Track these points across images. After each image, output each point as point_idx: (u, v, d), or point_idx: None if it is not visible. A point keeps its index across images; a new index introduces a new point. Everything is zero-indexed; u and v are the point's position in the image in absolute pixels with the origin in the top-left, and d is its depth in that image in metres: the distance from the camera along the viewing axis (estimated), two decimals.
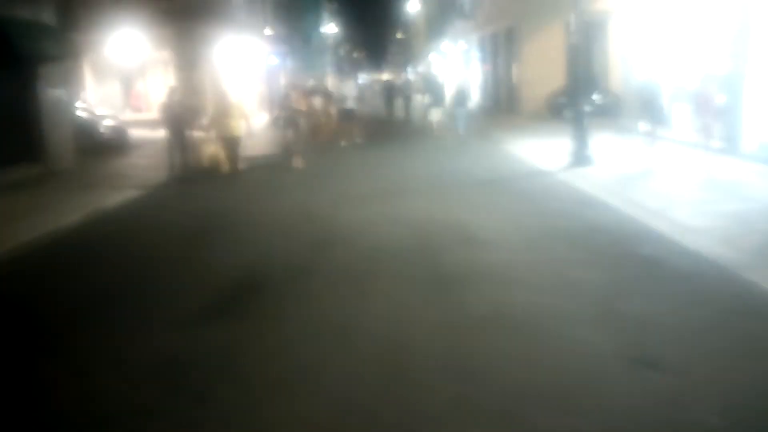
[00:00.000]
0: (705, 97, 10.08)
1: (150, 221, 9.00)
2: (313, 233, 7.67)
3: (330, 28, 64.91)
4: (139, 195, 10.76)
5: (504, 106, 28.27)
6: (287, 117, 13.76)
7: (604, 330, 4.41)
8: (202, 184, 11.63)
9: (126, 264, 6.81)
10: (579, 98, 11.42)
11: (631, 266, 5.87)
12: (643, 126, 10.84)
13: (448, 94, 22.16)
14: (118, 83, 26.53)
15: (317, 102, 18.76)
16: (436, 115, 19.62)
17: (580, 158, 11.31)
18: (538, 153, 13.44)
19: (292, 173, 12.57)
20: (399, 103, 27.82)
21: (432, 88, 20.78)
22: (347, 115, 17.97)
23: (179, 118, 12.21)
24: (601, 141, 12.80)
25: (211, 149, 12.49)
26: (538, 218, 7.84)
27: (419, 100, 26.89)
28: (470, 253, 6.49)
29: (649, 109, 10.71)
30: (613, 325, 4.52)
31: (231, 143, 12.23)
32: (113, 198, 10.35)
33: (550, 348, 4.18)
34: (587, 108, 11.61)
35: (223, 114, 12.24)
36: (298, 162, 13.08)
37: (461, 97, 19.20)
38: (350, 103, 18.11)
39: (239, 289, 5.78)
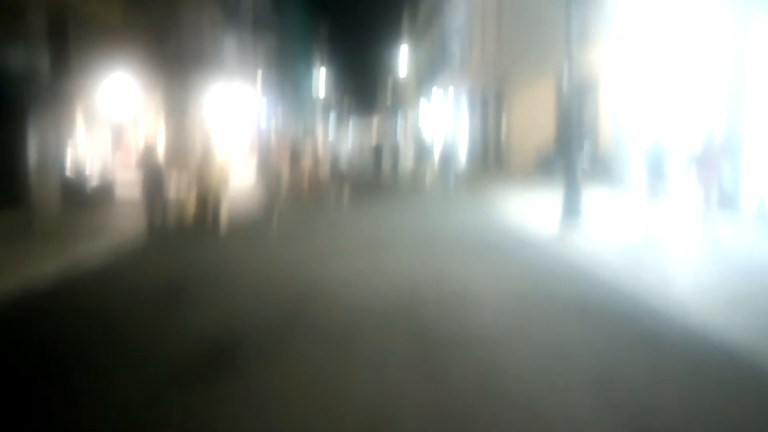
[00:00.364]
0: (708, 157, 9.80)
1: (125, 276, 8.75)
2: (295, 288, 7.52)
3: (321, 75, 65.76)
4: (118, 246, 10.51)
5: (492, 161, 28.46)
6: (269, 174, 13.48)
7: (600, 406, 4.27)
8: (182, 239, 11.42)
9: (94, 323, 6.55)
10: (572, 157, 11.44)
11: (628, 344, 5.72)
12: (644, 188, 10.72)
13: (436, 152, 22.42)
14: (108, 131, 26.42)
15: (305, 157, 18.49)
16: (424, 172, 20.09)
17: (571, 217, 11.26)
18: (528, 211, 13.43)
19: (274, 229, 12.37)
20: (387, 160, 28.13)
21: (419, 146, 21.27)
22: (339, 175, 17.94)
23: (156, 173, 11.71)
24: (592, 198, 12.74)
25: (193, 204, 12.22)
26: (527, 278, 7.81)
27: (408, 156, 26.95)
28: (457, 312, 6.42)
29: (656, 171, 10.48)
30: (605, 400, 4.37)
31: (210, 196, 11.86)
32: (91, 250, 10.13)
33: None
34: (579, 164, 11.62)
35: (205, 169, 11.86)
36: (277, 218, 12.81)
37: (448, 156, 19.59)
38: (342, 163, 18.12)
39: (212, 351, 5.56)
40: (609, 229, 10.63)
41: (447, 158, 19.48)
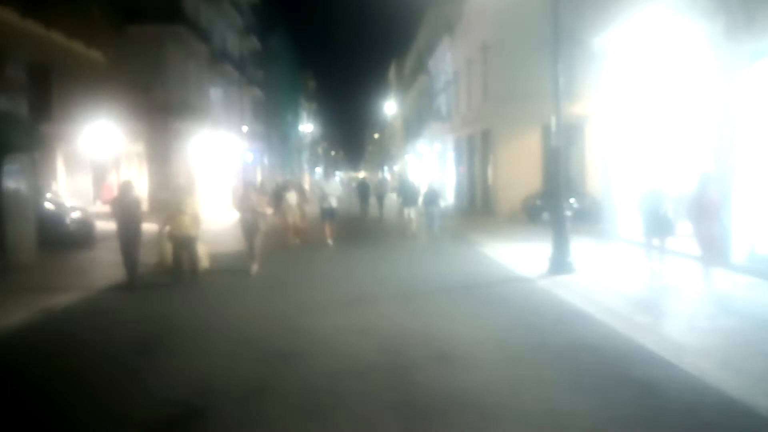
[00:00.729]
0: (705, 203, 9.29)
1: (94, 326, 8.14)
2: (271, 346, 6.91)
3: (308, 127, 66.22)
4: (91, 296, 9.97)
5: (479, 207, 28.31)
6: (246, 219, 12.21)
7: None
8: (157, 286, 10.89)
9: (54, 379, 5.96)
10: (559, 202, 11.13)
11: (624, 392, 5.27)
12: (643, 236, 10.37)
13: (422, 193, 22.16)
14: (90, 175, 26.08)
15: (291, 198, 16.55)
16: (409, 215, 19.36)
17: (560, 265, 10.88)
18: (516, 258, 13.02)
19: (252, 277, 11.62)
20: (373, 201, 27.74)
21: (405, 188, 20.61)
22: (328, 214, 16.70)
23: (132, 218, 10.83)
24: (580, 247, 12.41)
25: (168, 251, 11.73)
26: (518, 332, 7.22)
27: (393, 199, 26.56)
28: (446, 374, 5.80)
29: (653, 219, 10.01)
30: None
31: (184, 243, 11.13)
32: (63, 299, 9.58)
33: None
34: (567, 212, 11.28)
35: (176, 211, 11.01)
36: (255, 267, 11.94)
37: (433, 197, 19.13)
38: (332, 202, 16.78)
39: (176, 416, 5.00)
40: (600, 282, 10.15)
41: (432, 198, 19.07)
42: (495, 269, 11.92)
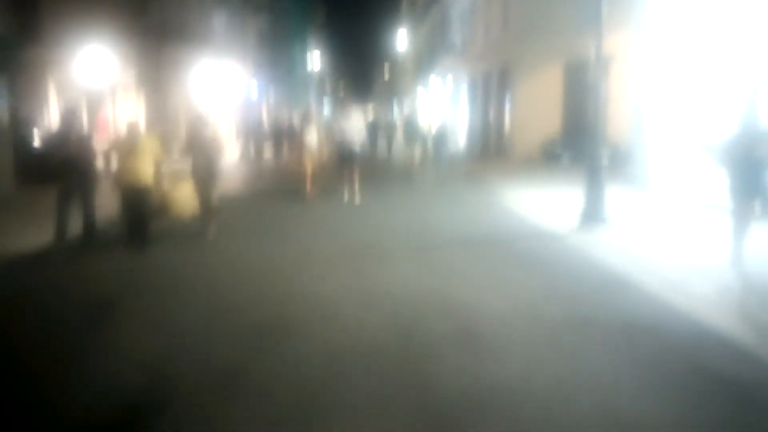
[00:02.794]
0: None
1: (51, 289, 6.88)
2: (255, 315, 5.73)
3: (316, 59, 63.97)
4: (58, 248, 8.75)
5: (493, 149, 26.86)
6: (197, 165, 9.51)
7: None
8: (153, 237, 9.73)
9: None
10: (597, 147, 9.78)
11: (711, 395, 4.10)
12: (732, 196, 7.08)
13: (430, 134, 21.02)
14: (84, 105, 24.66)
15: (311, 136, 13.21)
16: (415, 154, 18.43)
17: (594, 219, 9.63)
18: (540, 206, 11.77)
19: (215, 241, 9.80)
20: (382, 141, 26.43)
21: (410, 128, 19.58)
22: (348, 158, 12.97)
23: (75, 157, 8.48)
24: (613, 200, 11.04)
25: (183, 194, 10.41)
26: (555, 304, 6.02)
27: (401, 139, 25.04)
28: (473, 364, 4.62)
29: (749, 174, 6.78)
30: None
31: (134, 194, 8.64)
32: (24, 247, 8.50)
33: None
34: (600, 160, 9.91)
35: (127, 153, 8.58)
36: (213, 230, 9.47)
37: (441, 138, 18.15)
38: (354, 142, 13.01)
39: (129, 411, 3.91)
40: (644, 242, 8.85)
41: (440, 141, 17.93)
42: (517, 220, 10.66)
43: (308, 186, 13.06)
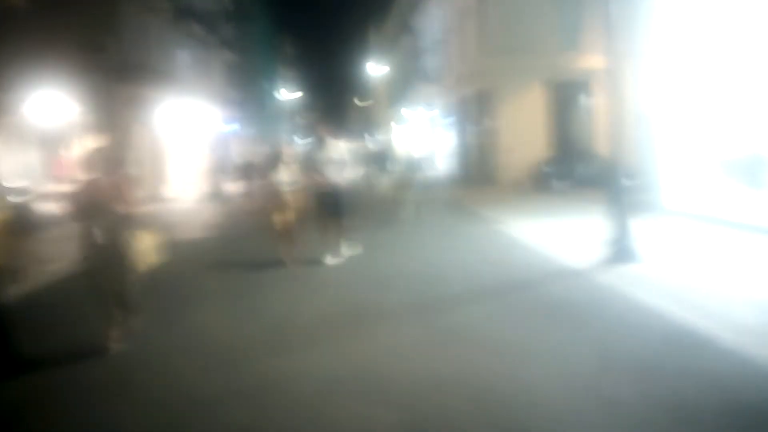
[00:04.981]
0: None
1: None
2: (216, 416, 4.22)
3: (287, 94, 63.00)
4: None
5: (476, 175, 25.68)
6: (93, 242, 5.59)
7: None
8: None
9: None
10: (616, 171, 8.48)
11: None
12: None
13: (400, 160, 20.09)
14: (39, 150, 23.00)
15: (284, 176, 9.16)
16: (387, 185, 17.36)
17: (621, 251, 8.31)
18: (550, 238, 10.45)
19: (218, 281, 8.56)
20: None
21: (381, 157, 18.73)
22: (327, 203, 9.23)
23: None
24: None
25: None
26: (625, 377, 4.54)
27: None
28: None
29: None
30: None
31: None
32: None
33: None
34: (625, 183, 8.58)
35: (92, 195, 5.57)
36: (116, 340, 5.67)
37: (413, 165, 17.06)
38: (333, 181, 9.16)
39: None
40: (690, 278, 7.56)
41: (412, 168, 16.85)
42: (530, 256, 9.26)
43: (285, 246, 9.17)
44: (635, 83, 13.84)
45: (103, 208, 5.48)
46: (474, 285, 7.56)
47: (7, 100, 20.34)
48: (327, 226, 9.31)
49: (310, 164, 9.47)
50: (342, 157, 9.26)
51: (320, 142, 9.44)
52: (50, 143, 22.88)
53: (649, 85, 12.47)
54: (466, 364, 4.97)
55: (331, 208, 9.16)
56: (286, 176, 9.05)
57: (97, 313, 5.69)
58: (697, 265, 7.94)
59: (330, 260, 9.11)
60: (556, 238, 10.45)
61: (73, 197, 5.63)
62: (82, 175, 5.76)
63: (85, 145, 22.85)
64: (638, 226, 9.30)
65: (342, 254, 9.28)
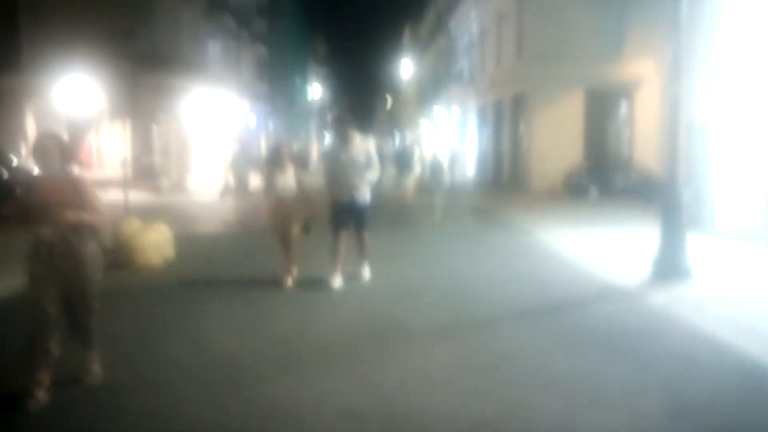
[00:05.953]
0: None
1: None
2: None
3: (317, 91, 62.75)
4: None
5: (507, 182, 24.95)
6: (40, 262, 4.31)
7: None
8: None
9: None
10: (674, 183, 7.74)
11: None
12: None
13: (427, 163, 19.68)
14: (66, 135, 22.82)
15: (288, 177, 7.69)
16: (409, 186, 16.94)
17: (672, 270, 7.59)
18: (589, 252, 9.73)
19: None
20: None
21: (404, 158, 18.23)
22: (345, 212, 7.71)
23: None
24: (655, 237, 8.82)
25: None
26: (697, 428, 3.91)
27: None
28: None
29: None
30: None
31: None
32: None
33: None
34: (680, 199, 7.82)
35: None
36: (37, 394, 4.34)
37: (438, 167, 16.66)
38: (354, 184, 7.60)
39: None
40: (754, 302, 6.86)
41: (437, 170, 16.42)
42: (570, 272, 8.54)
43: (287, 265, 7.66)
44: (690, 91, 13.00)
45: (52, 213, 4.16)
46: (511, 303, 6.86)
47: (36, 83, 20.17)
48: (340, 241, 7.65)
49: (329, 166, 7.95)
50: (369, 158, 7.65)
51: (343, 140, 7.73)
52: (77, 129, 22.68)
53: (705, 93, 11.64)
54: (511, 402, 4.28)
55: (345, 218, 7.68)
56: (290, 179, 7.58)
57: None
58: (754, 289, 7.19)
59: (364, 275, 7.86)
60: (596, 251, 9.73)
61: (20, 198, 4.56)
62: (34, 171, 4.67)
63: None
64: (688, 243, 8.54)
65: (366, 272, 7.92)
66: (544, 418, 4.01)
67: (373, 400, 4.30)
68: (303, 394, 4.38)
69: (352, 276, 7.71)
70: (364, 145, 7.76)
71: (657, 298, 6.93)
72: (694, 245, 8.04)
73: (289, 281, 7.56)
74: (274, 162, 7.71)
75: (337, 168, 7.68)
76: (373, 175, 7.73)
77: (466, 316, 6.42)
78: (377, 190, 8.20)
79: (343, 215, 7.67)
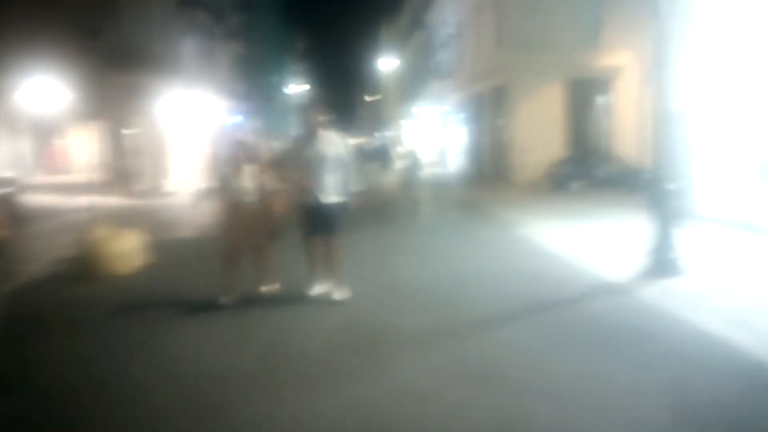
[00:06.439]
0: None
1: None
2: None
3: (296, 89, 62.10)
4: None
5: (489, 174, 24.62)
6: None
7: None
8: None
9: None
10: (662, 173, 7.40)
11: None
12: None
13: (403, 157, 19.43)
14: (30, 139, 22.09)
15: (246, 176, 6.65)
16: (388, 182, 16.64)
17: (663, 264, 7.25)
18: (577, 245, 9.37)
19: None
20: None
21: (380, 152, 17.95)
22: (314, 218, 6.67)
23: None
24: (639, 227, 8.20)
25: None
26: None
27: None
28: None
29: None
30: None
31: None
32: None
33: None
34: (669, 190, 7.46)
35: None
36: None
37: (414, 163, 16.44)
38: (326, 188, 6.59)
39: None
40: (750, 297, 6.54)
41: (413, 166, 16.21)
42: (559, 267, 8.16)
43: (226, 275, 6.61)
44: (671, 80, 12.71)
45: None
46: (501, 302, 6.45)
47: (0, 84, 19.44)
48: (311, 249, 6.81)
49: (294, 164, 6.69)
50: (338, 155, 6.61)
51: (310, 134, 6.67)
52: (43, 132, 22.00)
53: (685, 80, 11.34)
54: (507, 412, 3.88)
55: (315, 226, 6.66)
56: (249, 181, 6.55)
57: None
58: (748, 280, 6.88)
59: (337, 295, 6.65)
60: (583, 244, 9.38)
61: None
62: None
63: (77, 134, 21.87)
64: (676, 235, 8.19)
65: (334, 290, 6.70)
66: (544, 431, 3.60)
67: (358, 416, 3.89)
68: (283, 415, 3.95)
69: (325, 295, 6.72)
70: (334, 142, 6.69)
71: (648, 292, 6.59)
72: (680, 235, 7.67)
73: (226, 297, 6.48)
74: (231, 160, 6.59)
75: (301, 166, 6.58)
76: (342, 174, 6.64)
77: (455, 317, 6.01)
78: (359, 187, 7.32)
79: (311, 219, 6.66)
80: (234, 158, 6.56)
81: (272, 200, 6.68)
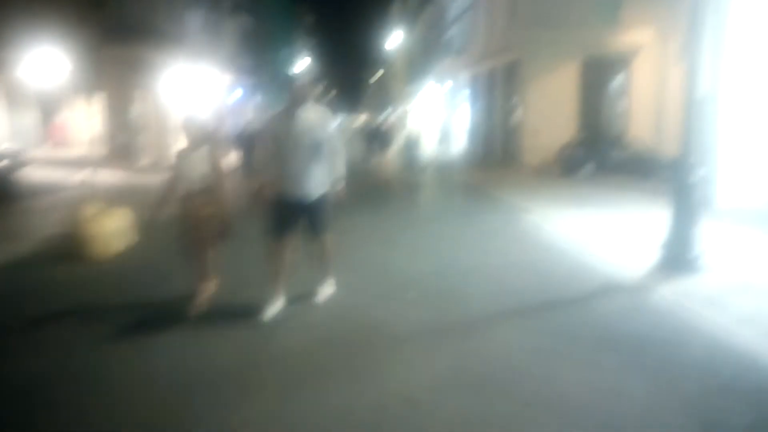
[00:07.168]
0: None
1: None
2: None
3: (303, 63, 61.34)
4: None
5: (499, 156, 24.10)
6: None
7: None
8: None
9: None
10: (687, 164, 6.93)
11: None
12: None
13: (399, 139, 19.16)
14: (34, 112, 21.74)
15: (196, 162, 5.64)
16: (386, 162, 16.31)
17: (680, 260, 6.83)
18: (588, 234, 8.94)
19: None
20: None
21: (378, 133, 17.61)
22: (290, 210, 5.56)
23: None
24: (656, 219, 7.89)
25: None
26: None
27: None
28: None
29: None
30: None
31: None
32: None
33: None
34: (694, 182, 7.02)
35: None
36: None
37: (413, 143, 16.10)
38: (301, 175, 5.47)
39: None
40: (758, 290, 6.15)
41: (412, 146, 15.86)
42: (569, 260, 7.74)
43: (199, 280, 5.83)
44: (701, 64, 12.15)
45: None
46: (507, 300, 6.06)
47: (2, 57, 19.04)
48: (287, 252, 5.69)
49: (269, 146, 5.58)
50: (321, 137, 5.47)
51: (291, 112, 5.48)
52: (46, 106, 21.62)
53: (714, 67, 10.78)
54: (511, 428, 3.53)
55: (302, 222, 5.65)
56: (200, 165, 5.54)
57: None
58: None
59: (320, 296, 5.97)
60: (594, 234, 8.95)
61: None
62: None
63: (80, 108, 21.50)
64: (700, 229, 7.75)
65: (326, 288, 6.07)
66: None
67: (352, 420, 3.57)
68: (263, 426, 3.59)
69: (306, 295, 5.96)
70: (318, 120, 5.50)
71: (667, 291, 6.17)
72: (700, 231, 7.25)
73: (198, 303, 5.69)
74: (190, 141, 5.66)
75: (278, 150, 5.46)
76: (329, 158, 5.58)
77: (457, 314, 5.62)
78: (353, 169, 6.52)
79: (288, 217, 5.54)
80: (192, 138, 5.62)
81: (223, 188, 5.61)
